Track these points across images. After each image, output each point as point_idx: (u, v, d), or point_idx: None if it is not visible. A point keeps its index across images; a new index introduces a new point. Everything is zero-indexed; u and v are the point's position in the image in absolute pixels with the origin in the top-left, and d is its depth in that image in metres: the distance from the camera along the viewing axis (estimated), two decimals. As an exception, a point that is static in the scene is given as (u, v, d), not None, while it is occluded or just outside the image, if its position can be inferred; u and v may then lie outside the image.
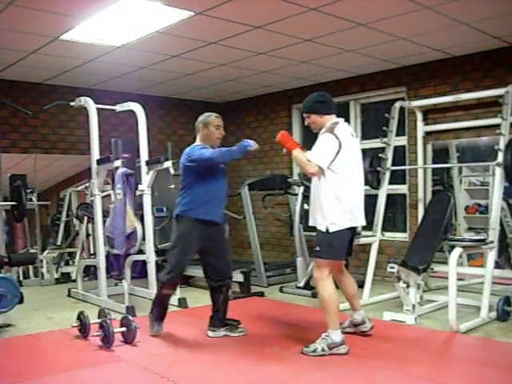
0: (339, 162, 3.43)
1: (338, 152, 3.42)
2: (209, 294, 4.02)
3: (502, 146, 4.44)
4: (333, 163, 3.42)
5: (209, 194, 3.82)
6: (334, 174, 3.43)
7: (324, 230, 3.45)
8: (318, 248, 3.50)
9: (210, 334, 3.97)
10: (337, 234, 3.44)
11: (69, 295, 5.57)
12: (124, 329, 3.76)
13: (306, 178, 5.77)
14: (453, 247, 4.08)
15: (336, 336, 3.44)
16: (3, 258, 4.67)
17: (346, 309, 4.04)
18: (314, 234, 3.57)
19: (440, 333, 3.99)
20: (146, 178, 5.10)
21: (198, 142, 3.97)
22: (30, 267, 6.37)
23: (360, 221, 3.61)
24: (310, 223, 3.67)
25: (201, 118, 3.99)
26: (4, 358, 3.59)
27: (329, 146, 3.43)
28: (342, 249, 3.54)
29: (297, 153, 3.49)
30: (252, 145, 3.61)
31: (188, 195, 3.85)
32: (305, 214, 5.90)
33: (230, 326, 4.01)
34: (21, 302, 4.26)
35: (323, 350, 3.41)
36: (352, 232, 3.59)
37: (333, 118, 3.59)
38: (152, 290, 5.15)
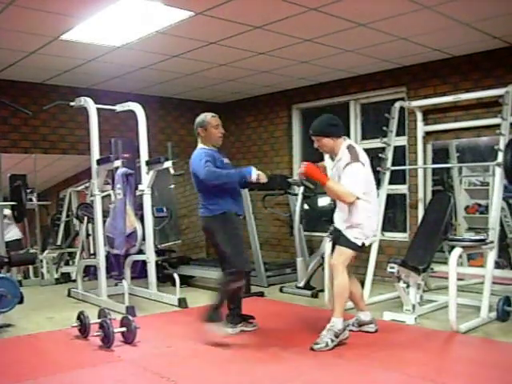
0: (365, 184, 3.62)
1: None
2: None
3: (502, 146, 4.44)
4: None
5: (225, 192, 3.85)
6: (363, 195, 3.59)
7: (360, 244, 3.64)
8: (354, 240, 3.62)
9: (230, 330, 4.01)
10: None
11: (69, 295, 5.56)
12: (124, 329, 3.76)
13: (306, 179, 5.78)
14: (453, 247, 4.08)
15: (339, 323, 3.55)
16: (3, 258, 4.67)
17: (349, 308, 4.05)
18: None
19: (440, 333, 3.99)
20: (146, 177, 5.10)
21: (200, 145, 3.98)
22: (30, 267, 6.37)
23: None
24: (336, 225, 3.80)
25: (197, 120, 4.00)
26: (4, 358, 3.59)
27: (361, 175, 3.59)
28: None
29: (332, 184, 3.57)
30: (253, 174, 3.75)
31: (210, 196, 3.87)
32: (305, 214, 5.92)
33: (245, 321, 4.11)
34: (21, 302, 4.26)
35: (332, 340, 3.49)
36: None
37: (342, 140, 3.70)
38: (152, 290, 5.17)
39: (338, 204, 3.77)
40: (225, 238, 3.86)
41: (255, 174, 3.78)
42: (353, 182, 3.55)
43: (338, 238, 3.71)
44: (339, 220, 3.77)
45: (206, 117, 3.97)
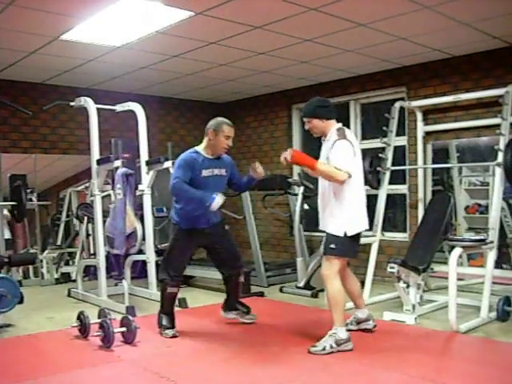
0: (353, 168, 3.50)
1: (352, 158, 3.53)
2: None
3: (502, 146, 4.44)
4: None
5: (196, 202, 3.81)
6: (349, 179, 3.48)
7: (342, 235, 3.52)
8: (333, 246, 3.54)
9: (221, 313, 4.27)
10: (353, 236, 3.56)
11: (69, 295, 5.56)
12: (124, 329, 3.76)
13: (306, 178, 5.79)
14: (453, 247, 4.08)
15: (342, 333, 3.50)
16: (3, 258, 4.67)
17: (349, 308, 4.04)
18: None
19: (440, 333, 3.99)
20: (146, 177, 5.10)
21: (202, 145, 3.89)
22: (30, 267, 6.37)
23: (366, 223, 3.71)
24: (321, 227, 3.72)
25: (212, 122, 3.86)
26: (4, 358, 3.59)
27: (349, 152, 3.50)
28: (356, 247, 3.66)
29: (322, 166, 3.48)
30: (214, 205, 3.63)
31: (178, 202, 3.92)
32: (305, 214, 5.92)
33: (240, 311, 4.21)
34: (21, 302, 4.26)
35: (331, 347, 3.45)
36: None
37: (334, 123, 3.64)
38: (152, 290, 5.17)
39: (320, 189, 3.68)
40: (169, 245, 4.07)
41: (217, 203, 3.64)
42: (341, 158, 3.43)
43: (324, 248, 3.61)
44: (324, 220, 3.69)
45: (223, 124, 3.82)
